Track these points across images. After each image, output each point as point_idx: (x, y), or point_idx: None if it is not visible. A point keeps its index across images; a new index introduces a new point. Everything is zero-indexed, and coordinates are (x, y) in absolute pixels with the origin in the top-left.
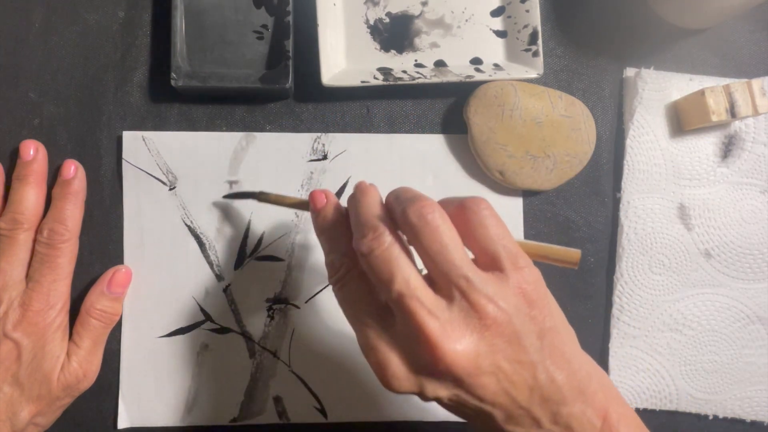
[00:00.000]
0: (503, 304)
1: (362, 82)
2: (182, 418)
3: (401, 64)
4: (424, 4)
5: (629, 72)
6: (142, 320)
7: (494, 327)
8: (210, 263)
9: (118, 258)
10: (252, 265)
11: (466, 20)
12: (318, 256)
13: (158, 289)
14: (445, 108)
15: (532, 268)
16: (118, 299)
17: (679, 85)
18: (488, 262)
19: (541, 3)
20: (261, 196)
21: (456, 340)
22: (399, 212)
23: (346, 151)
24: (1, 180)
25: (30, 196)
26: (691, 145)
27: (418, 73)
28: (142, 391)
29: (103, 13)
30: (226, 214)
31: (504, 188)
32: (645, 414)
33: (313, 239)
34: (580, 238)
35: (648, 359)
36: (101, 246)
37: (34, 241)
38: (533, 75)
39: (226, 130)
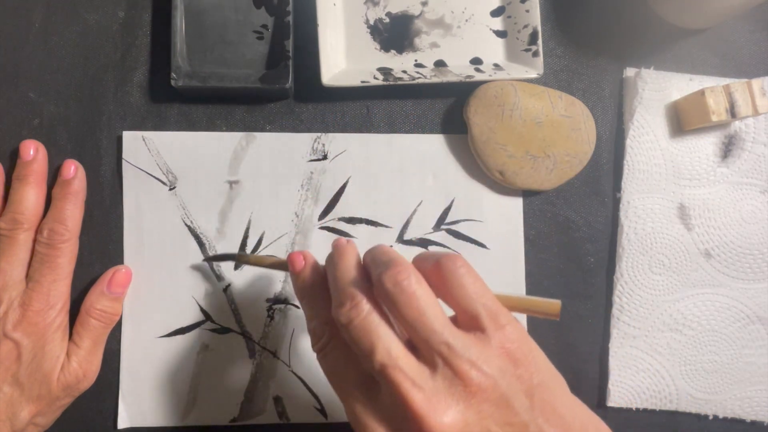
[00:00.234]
0: (487, 369)
1: (362, 82)
2: (182, 418)
3: (401, 64)
4: (424, 4)
5: (629, 72)
6: (142, 320)
7: (480, 393)
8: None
9: (118, 258)
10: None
11: (466, 20)
12: (318, 256)
13: (158, 289)
14: (445, 108)
15: (515, 325)
16: (118, 299)
17: (679, 85)
18: (468, 321)
19: (541, 3)
20: (241, 258)
21: (443, 412)
22: (375, 277)
23: (346, 151)
24: (1, 180)
25: (30, 196)
26: (691, 145)
27: (418, 73)
28: (142, 391)
29: (103, 13)
30: (226, 215)
31: (504, 188)
32: (645, 414)
33: (314, 240)
34: (580, 238)
35: (648, 359)
36: (101, 246)
37: (34, 241)
38: (533, 75)
39: (226, 130)
